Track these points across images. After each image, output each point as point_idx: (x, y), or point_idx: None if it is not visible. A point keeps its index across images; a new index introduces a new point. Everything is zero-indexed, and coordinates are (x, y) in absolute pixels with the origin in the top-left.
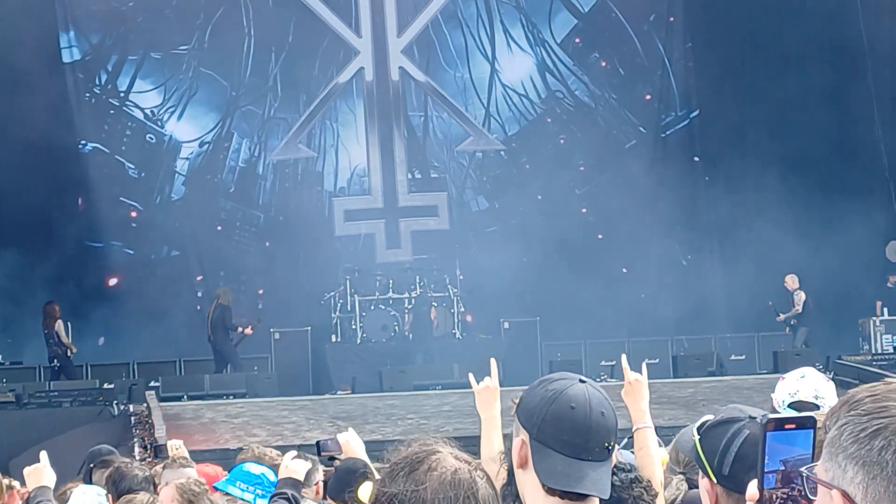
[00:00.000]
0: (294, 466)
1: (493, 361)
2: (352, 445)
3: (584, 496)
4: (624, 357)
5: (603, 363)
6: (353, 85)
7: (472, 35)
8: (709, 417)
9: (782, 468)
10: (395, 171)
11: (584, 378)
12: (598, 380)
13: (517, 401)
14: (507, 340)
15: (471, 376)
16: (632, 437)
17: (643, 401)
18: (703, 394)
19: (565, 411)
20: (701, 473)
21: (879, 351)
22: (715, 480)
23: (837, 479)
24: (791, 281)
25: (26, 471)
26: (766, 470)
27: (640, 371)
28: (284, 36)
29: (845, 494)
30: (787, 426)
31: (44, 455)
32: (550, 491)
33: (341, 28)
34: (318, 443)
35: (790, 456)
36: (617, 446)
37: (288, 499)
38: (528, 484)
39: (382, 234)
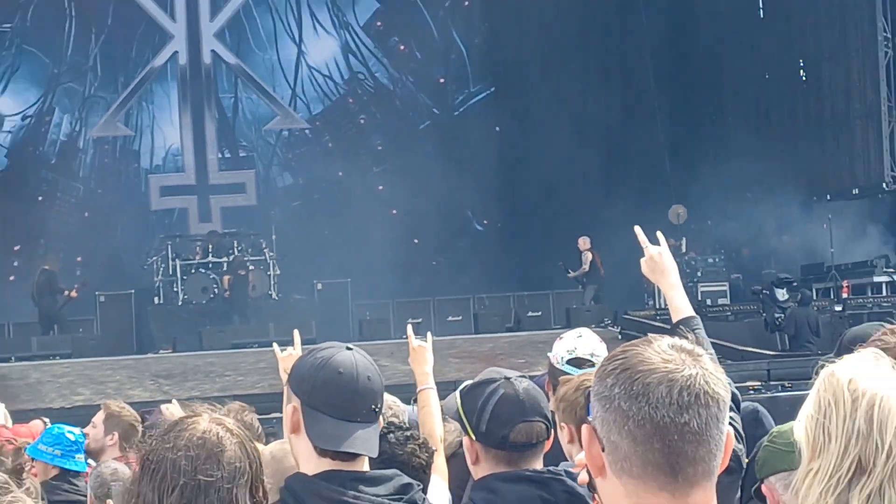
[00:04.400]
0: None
1: (409, 327)
2: (175, 416)
3: (355, 455)
4: (409, 326)
5: (410, 321)
6: (168, 68)
7: (281, 18)
8: (469, 381)
9: None
10: (207, 150)
11: (350, 346)
12: (404, 337)
13: (289, 370)
14: (321, 301)
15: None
16: (416, 397)
17: (427, 364)
18: (502, 348)
19: (334, 376)
20: (462, 432)
21: (663, 306)
22: (474, 437)
23: (592, 418)
24: (583, 242)
25: None
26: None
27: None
28: (104, 18)
29: (592, 429)
30: None
31: None
32: (322, 452)
33: (157, 12)
34: (142, 412)
35: None
36: (391, 409)
37: None
38: (302, 448)
39: (195, 208)
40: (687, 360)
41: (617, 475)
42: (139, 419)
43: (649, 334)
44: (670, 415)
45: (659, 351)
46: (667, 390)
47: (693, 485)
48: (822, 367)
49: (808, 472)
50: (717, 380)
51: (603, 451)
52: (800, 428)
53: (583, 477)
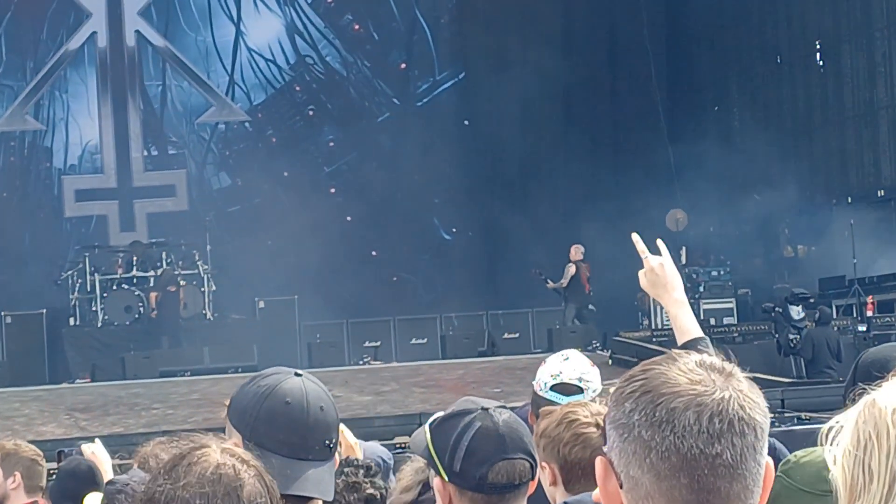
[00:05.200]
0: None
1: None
2: (98, 458)
3: (306, 499)
4: (635, 235)
5: (367, 344)
6: (85, 52)
7: None
8: (441, 413)
9: None
10: (130, 147)
11: (299, 371)
12: (361, 363)
13: (228, 402)
14: (263, 321)
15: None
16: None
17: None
18: (474, 375)
19: (280, 407)
20: (433, 472)
21: (659, 326)
22: (447, 478)
23: (608, 449)
24: (574, 252)
25: None
26: None
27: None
28: None
29: (608, 461)
30: None
31: None
32: None
33: None
34: (59, 452)
35: None
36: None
37: None
38: None
39: (116, 215)
40: (718, 381)
41: None
42: (40, 453)
43: (673, 350)
44: (699, 445)
45: (685, 370)
46: (695, 417)
47: None
48: (860, 393)
49: None
50: (753, 403)
51: (621, 487)
52: (834, 463)
53: None
